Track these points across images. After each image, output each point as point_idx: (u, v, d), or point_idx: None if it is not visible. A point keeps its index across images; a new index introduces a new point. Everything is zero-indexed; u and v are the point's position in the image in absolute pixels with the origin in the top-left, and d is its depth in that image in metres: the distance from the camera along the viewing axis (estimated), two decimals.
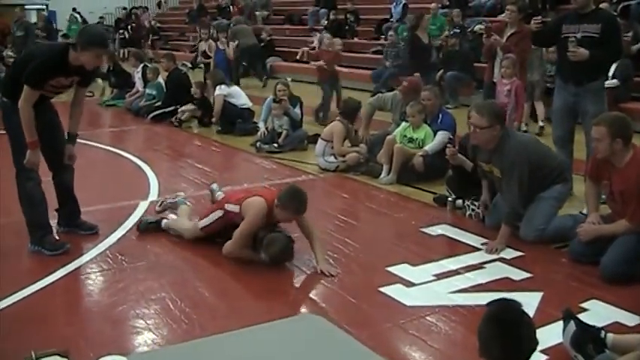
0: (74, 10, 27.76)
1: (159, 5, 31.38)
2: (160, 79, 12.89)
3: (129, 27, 27.37)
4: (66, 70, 5.33)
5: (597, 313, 4.39)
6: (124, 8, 29.36)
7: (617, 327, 4.16)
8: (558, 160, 6.17)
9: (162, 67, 13.05)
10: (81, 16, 26.70)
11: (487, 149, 5.77)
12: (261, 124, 10.11)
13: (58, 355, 3.78)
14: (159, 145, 10.41)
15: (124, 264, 5.41)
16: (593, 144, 5.16)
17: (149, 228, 6.12)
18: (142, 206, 6.86)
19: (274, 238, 5.30)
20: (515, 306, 2.91)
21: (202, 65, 17.85)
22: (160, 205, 6.58)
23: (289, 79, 11.57)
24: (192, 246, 5.75)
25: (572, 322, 3.84)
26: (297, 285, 5.04)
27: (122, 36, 26.54)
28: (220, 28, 18.09)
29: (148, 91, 13.04)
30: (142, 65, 13.75)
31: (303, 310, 4.68)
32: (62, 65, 5.29)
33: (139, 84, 13.61)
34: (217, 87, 11.10)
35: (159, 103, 12.41)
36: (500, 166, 5.72)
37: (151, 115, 12.17)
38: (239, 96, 11.18)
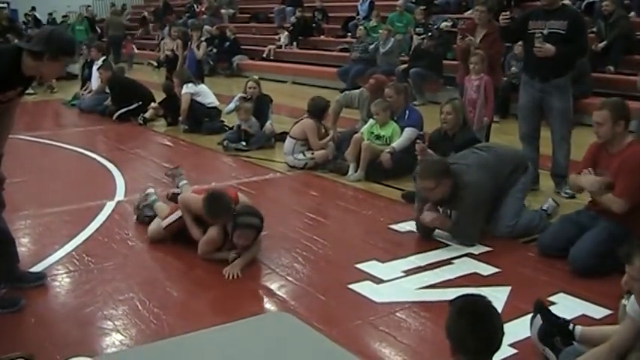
0: (33, 8, 27.57)
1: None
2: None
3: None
4: (17, 81, 4.37)
5: (565, 306, 4.43)
6: (89, 6, 28.95)
7: (585, 320, 4.20)
8: (517, 155, 6.16)
9: (101, 77, 12.91)
10: (35, 18, 26.61)
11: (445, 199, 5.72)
12: (226, 109, 10.34)
13: (24, 358, 3.73)
14: (125, 144, 10.30)
15: (90, 265, 5.34)
16: (595, 129, 5.11)
17: (145, 220, 6.17)
18: (109, 206, 6.80)
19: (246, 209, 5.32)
20: (480, 298, 2.95)
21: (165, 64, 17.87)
22: (138, 208, 6.41)
23: (256, 77, 11.52)
24: (161, 246, 5.71)
25: (538, 316, 3.87)
26: (267, 283, 5.02)
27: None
28: (194, 27, 18.02)
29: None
30: (102, 58, 13.64)
31: (272, 308, 4.65)
32: (14, 76, 4.29)
33: (94, 78, 13.43)
34: (184, 85, 11.00)
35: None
36: (457, 208, 5.69)
37: (117, 114, 12.07)
38: (206, 95, 11.10)
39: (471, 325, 2.82)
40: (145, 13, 27.11)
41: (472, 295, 3.04)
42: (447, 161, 5.83)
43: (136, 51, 23.05)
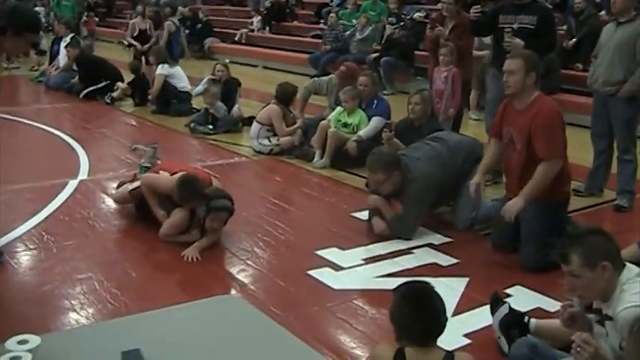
0: None
1: None
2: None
3: None
4: None
5: (521, 298, 4.47)
6: None
7: (540, 312, 4.25)
8: (469, 144, 6.15)
9: (69, 55, 12.79)
10: None
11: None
12: (195, 91, 10.32)
13: None
14: (91, 123, 10.21)
15: (50, 243, 5.31)
16: (505, 77, 5.14)
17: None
18: (72, 185, 6.75)
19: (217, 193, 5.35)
20: (423, 284, 3.00)
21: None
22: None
23: (227, 61, 11.47)
24: (122, 227, 5.72)
25: (505, 305, 3.91)
26: (227, 267, 5.03)
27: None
28: (172, 6, 17.82)
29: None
30: (70, 35, 13.49)
31: (232, 291, 4.65)
32: None
33: (62, 56, 13.26)
34: (160, 65, 10.86)
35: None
36: (403, 201, 5.67)
37: (84, 92, 11.95)
38: (180, 78, 10.93)
39: (415, 312, 2.86)
40: None
41: (415, 281, 3.08)
42: (397, 153, 5.84)
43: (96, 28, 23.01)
